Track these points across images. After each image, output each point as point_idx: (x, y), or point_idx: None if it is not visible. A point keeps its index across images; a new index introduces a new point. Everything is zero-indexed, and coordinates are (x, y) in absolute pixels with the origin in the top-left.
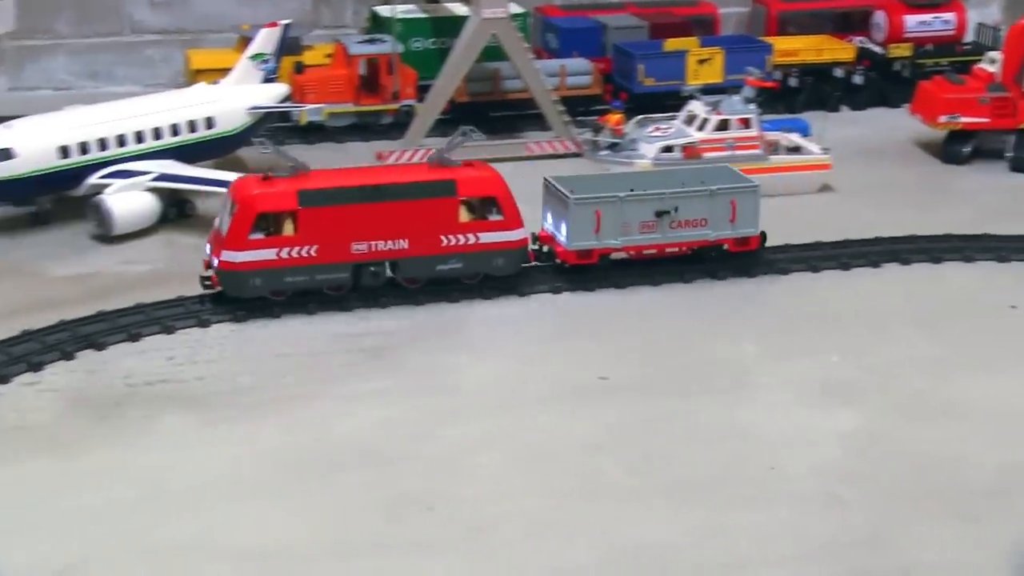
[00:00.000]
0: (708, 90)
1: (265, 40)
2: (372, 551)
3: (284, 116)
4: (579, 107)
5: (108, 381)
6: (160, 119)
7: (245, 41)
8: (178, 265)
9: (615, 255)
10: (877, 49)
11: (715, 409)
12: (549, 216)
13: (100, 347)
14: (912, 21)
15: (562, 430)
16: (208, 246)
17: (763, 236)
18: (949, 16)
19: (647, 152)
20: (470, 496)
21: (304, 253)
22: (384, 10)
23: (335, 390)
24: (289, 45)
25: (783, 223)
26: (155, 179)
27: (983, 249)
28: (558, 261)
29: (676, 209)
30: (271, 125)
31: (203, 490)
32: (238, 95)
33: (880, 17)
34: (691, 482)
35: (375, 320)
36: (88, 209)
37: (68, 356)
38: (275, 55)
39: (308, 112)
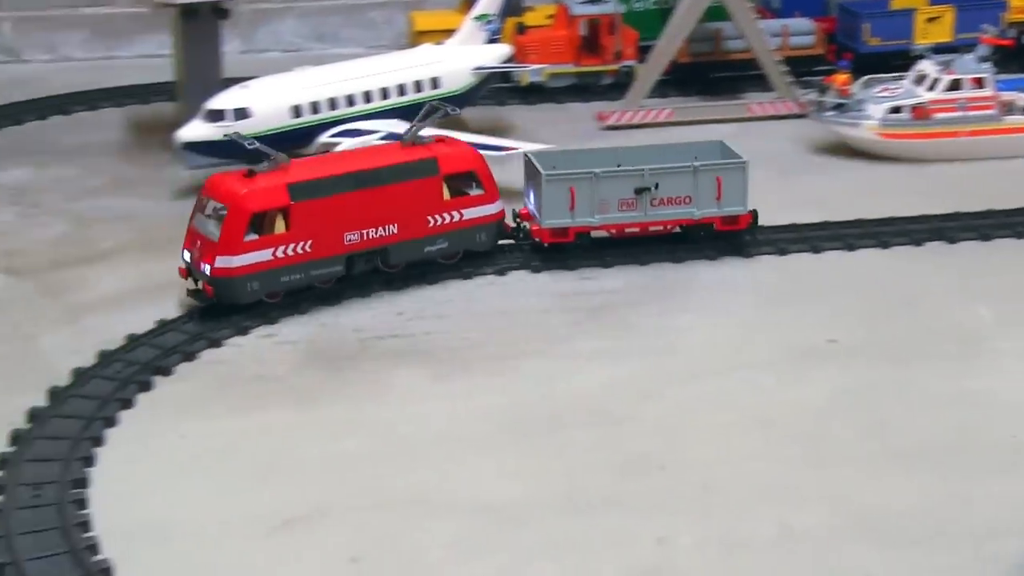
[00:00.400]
0: (938, 49)
1: (489, 2)
2: (604, 508)
3: (506, 77)
4: (801, 68)
5: (340, 335)
6: (387, 80)
7: (468, 3)
8: None
9: (595, 234)
10: None
11: (948, 375)
12: (531, 193)
13: (332, 302)
14: None
15: (788, 393)
16: (187, 253)
17: (754, 215)
18: None
19: (874, 113)
20: (699, 457)
21: (300, 250)
22: None
23: (560, 348)
24: (512, 6)
25: (1017, 184)
26: (382, 138)
27: None
28: (534, 240)
29: (656, 186)
30: (493, 86)
31: (434, 444)
32: (462, 56)
33: None
34: (926, 449)
35: (598, 279)
36: None
37: (302, 311)
38: (499, 16)
39: (529, 73)
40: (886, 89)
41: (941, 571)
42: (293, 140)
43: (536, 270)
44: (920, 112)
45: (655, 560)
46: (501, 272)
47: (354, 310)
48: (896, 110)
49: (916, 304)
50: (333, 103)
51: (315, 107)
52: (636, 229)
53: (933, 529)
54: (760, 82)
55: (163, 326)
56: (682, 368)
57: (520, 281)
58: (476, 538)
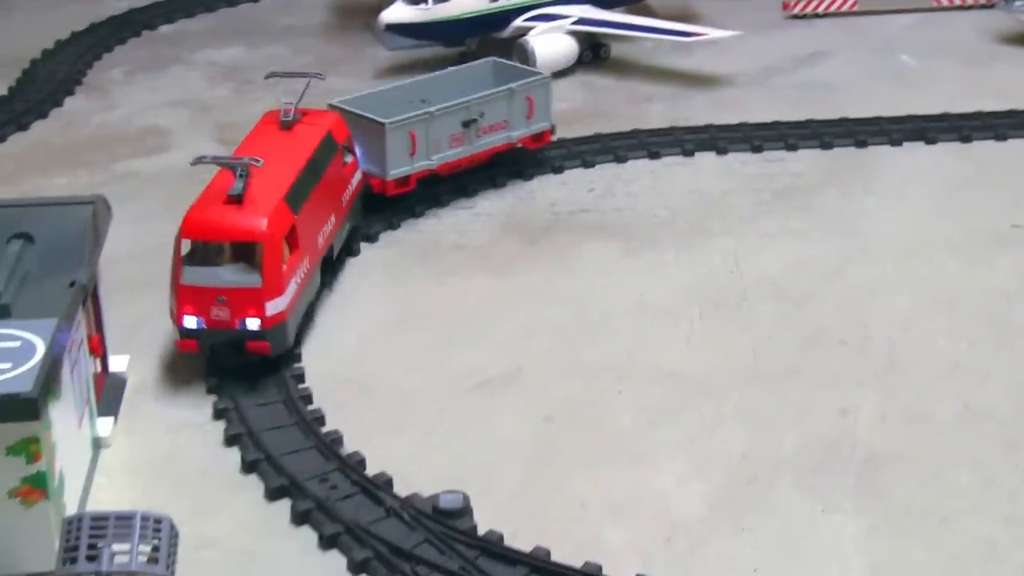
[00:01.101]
0: None
1: None
2: (787, 379)
3: None
4: None
5: (535, 209)
6: None
7: None
8: (594, 104)
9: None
10: None
11: None
12: (357, 149)
13: (528, 177)
14: None
15: (972, 276)
16: (194, 319)
17: (552, 129)
18: None
19: None
20: (881, 334)
21: (304, 270)
22: None
23: (746, 227)
24: None
25: None
26: (575, 23)
27: None
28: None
29: (482, 115)
30: None
31: (624, 314)
32: None
33: None
34: None
35: (784, 162)
36: (514, 50)
37: (499, 185)
38: None
39: None
40: None
41: None
42: (489, 25)
43: (721, 151)
44: None
45: (837, 430)
46: (688, 154)
47: (547, 186)
48: None
49: None
50: None
51: None
52: (464, 164)
53: None
54: None
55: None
56: (865, 249)
57: (705, 161)
58: (665, 404)
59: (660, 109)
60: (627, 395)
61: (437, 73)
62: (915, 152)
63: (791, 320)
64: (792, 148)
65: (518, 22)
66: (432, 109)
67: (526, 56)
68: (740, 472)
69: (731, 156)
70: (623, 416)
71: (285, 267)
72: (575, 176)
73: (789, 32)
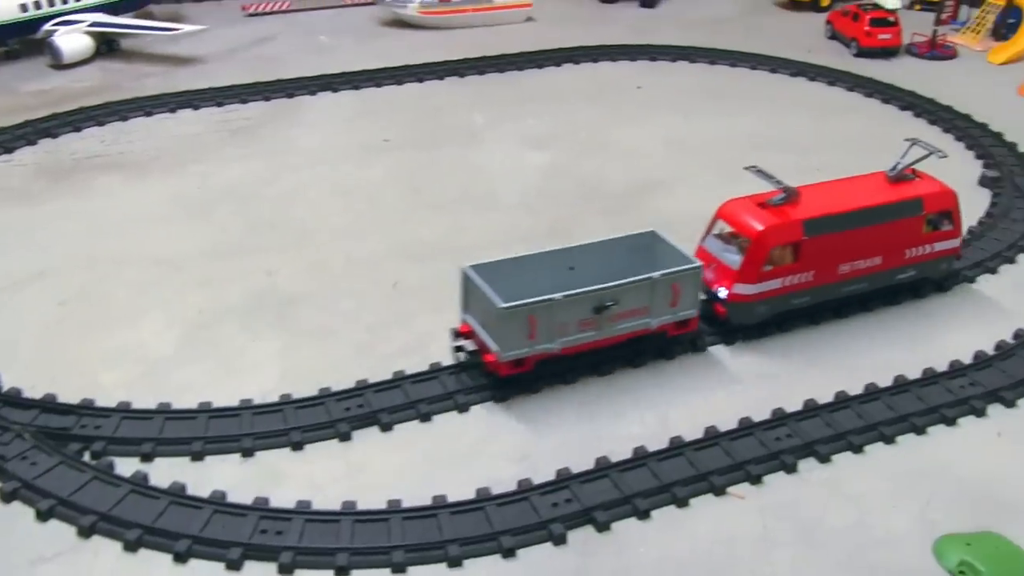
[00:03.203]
0: None
1: None
2: (234, 255)
3: None
4: None
5: (60, 158)
6: None
7: None
8: (108, 82)
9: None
10: None
11: (457, 156)
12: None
13: (54, 136)
14: None
15: (359, 174)
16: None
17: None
18: None
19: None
20: (298, 217)
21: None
22: None
23: (212, 156)
24: None
25: (501, 41)
26: (91, 25)
27: (622, 53)
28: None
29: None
30: None
31: (126, 223)
32: None
33: None
34: (443, 201)
35: (239, 112)
36: (45, 47)
37: (32, 142)
38: None
39: None
40: None
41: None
42: (25, 30)
43: (197, 108)
44: None
45: (266, 285)
46: (172, 111)
47: (70, 140)
48: None
49: (439, 114)
50: (52, 1)
51: (38, 4)
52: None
53: (445, 248)
54: None
55: None
56: (291, 164)
57: (186, 115)
58: (150, 281)
59: (155, 82)
60: (124, 278)
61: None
62: (326, 99)
63: (240, 216)
64: (244, 102)
65: (47, 27)
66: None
67: (53, 51)
68: (198, 321)
69: (203, 110)
70: (119, 292)
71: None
72: (91, 132)
73: (247, 25)
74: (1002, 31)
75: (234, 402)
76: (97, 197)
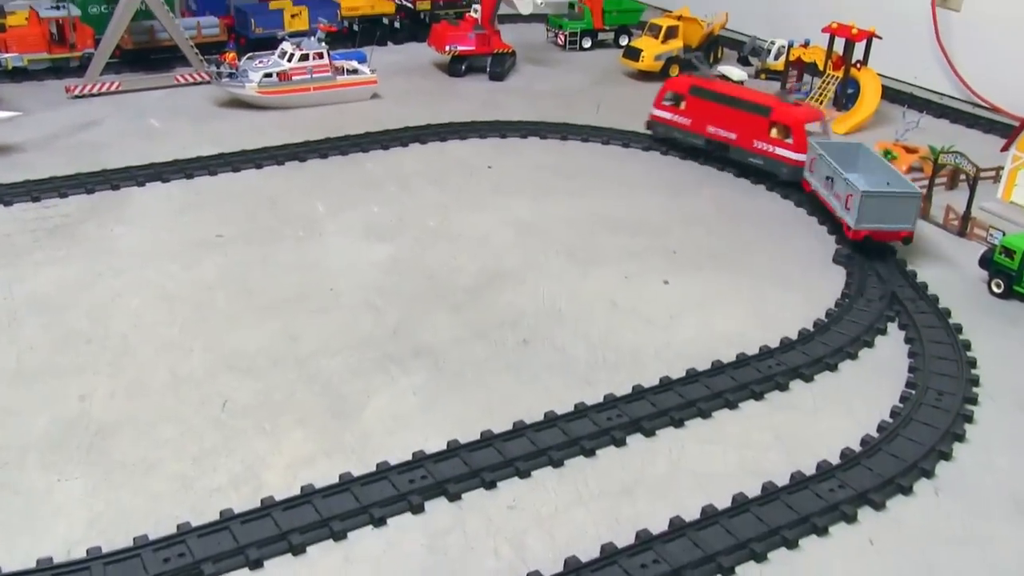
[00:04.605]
0: (295, 34)
1: None
2: (42, 376)
3: None
4: (212, 50)
5: None
6: None
7: None
8: None
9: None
10: (409, 4)
11: (294, 251)
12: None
13: None
14: None
15: (187, 275)
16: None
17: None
18: None
19: (254, 78)
20: (118, 330)
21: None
22: None
23: (23, 260)
24: None
25: (345, 121)
26: None
27: (472, 130)
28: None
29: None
30: None
31: None
32: None
33: None
34: (277, 302)
35: (58, 207)
36: None
37: None
38: None
39: (11, 59)
40: (262, 61)
41: (278, 387)
42: None
43: (8, 204)
44: (283, 75)
45: (76, 412)
46: None
47: None
48: (269, 75)
49: (278, 204)
50: None
51: None
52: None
53: (272, 358)
54: (184, 60)
55: None
56: (113, 266)
57: (10, 212)
58: None
59: None
60: None
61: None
62: (155, 190)
63: (50, 330)
64: (64, 195)
65: None
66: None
67: None
68: None
69: (16, 206)
70: None
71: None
72: None
73: (71, 108)
74: (843, 101)
75: (30, 563)
76: None
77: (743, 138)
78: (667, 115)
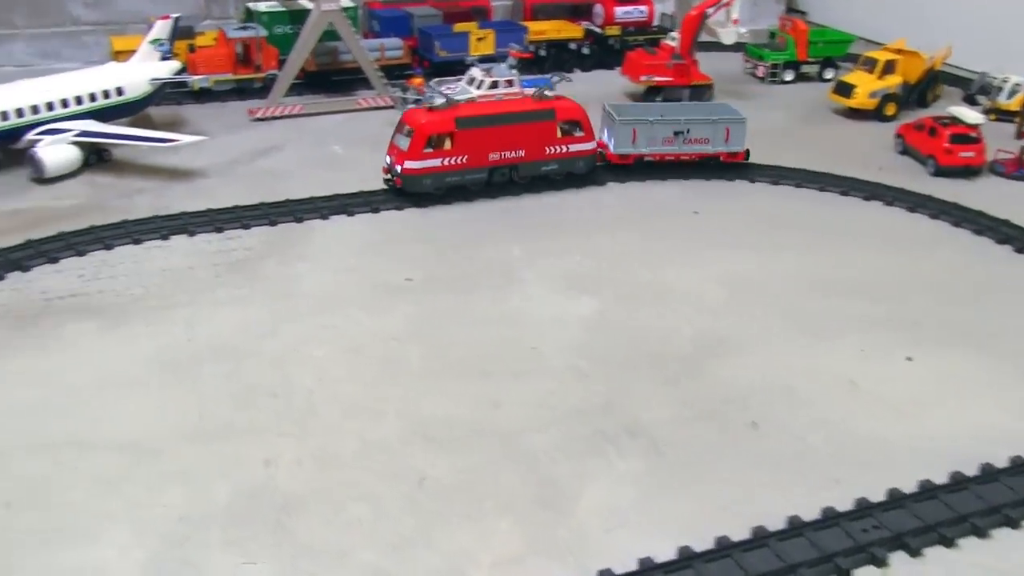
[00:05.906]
0: (483, 59)
1: (161, 29)
2: (223, 435)
3: (182, 84)
4: (395, 73)
5: (29, 297)
6: (80, 89)
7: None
8: (94, 199)
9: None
10: (597, 30)
11: (491, 300)
12: (606, 131)
13: (25, 268)
14: (619, 11)
15: (373, 324)
16: (388, 157)
17: (747, 153)
18: (643, 8)
19: None
20: (302, 384)
21: (457, 161)
22: (254, 5)
23: (204, 297)
24: (182, 31)
25: None
26: (78, 135)
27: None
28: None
29: (688, 131)
30: (172, 91)
31: (92, 390)
32: (141, 70)
33: (599, 8)
34: (474, 361)
35: (240, 239)
36: (26, 159)
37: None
38: (169, 40)
39: (198, 81)
40: (449, 87)
41: (480, 464)
42: (5, 138)
43: (191, 233)
44: None
45: (261, 480)
46: (164, 238)
47: (44, 274)
48: None
49: (469, 247)
50: (36, 108)
51: (20, 112)
52: (671, 159)
53: (472, 429)
54: (365, 83)
55: None
56: (294, 309)
57: (179, 243)
58: (117, 473)
59: (147, 200)
60: (84, 468)
61: (689, 103)
62: (339, 224)
63: (232, 380)
64: (247, 227)
65: (30, 136)
66: (650, 118)
67: (35, 164)
68: (175, 535)
69: (199, 237)
70: (76, 491)
71: (430, 150)
72: (69, 264)
73: (253, 131)
74: None
75: None
76: (63, 351)
77: (532, 151)
78: (432, 163)
